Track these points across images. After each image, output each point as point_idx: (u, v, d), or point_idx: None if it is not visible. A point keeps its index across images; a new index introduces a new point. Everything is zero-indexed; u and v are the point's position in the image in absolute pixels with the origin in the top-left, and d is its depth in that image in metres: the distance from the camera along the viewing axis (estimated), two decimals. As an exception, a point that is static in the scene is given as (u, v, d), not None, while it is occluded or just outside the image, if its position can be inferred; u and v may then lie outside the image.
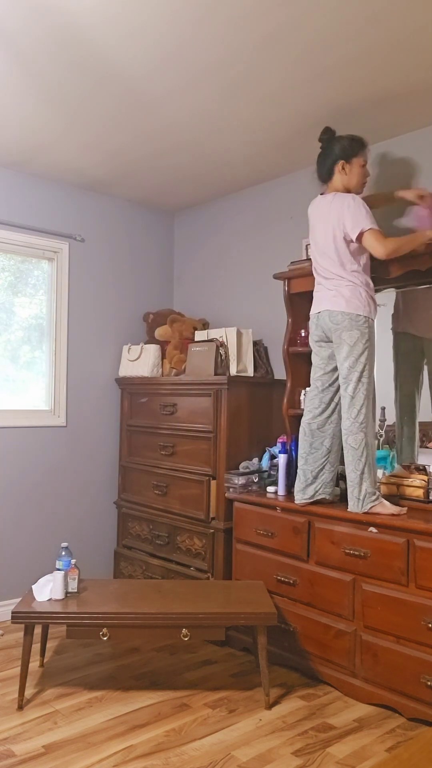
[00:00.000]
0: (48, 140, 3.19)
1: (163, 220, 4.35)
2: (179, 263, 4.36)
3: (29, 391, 3.75)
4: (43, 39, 2.28)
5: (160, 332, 3.85)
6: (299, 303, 3.21)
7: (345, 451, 2.68)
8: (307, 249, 3.43)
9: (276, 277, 3.26)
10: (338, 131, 2.97)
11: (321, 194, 2.85)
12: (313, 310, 2.84)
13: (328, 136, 2.79)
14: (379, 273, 2.83)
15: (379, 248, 2.58)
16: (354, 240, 2.66)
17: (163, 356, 3.81)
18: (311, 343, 2.90)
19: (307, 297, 3.06)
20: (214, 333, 3.54)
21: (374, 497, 2.61)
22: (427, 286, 2.91)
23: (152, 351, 3.79)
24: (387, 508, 2.58)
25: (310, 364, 2.94)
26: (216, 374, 3.31)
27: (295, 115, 2.86)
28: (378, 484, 2.80)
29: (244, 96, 2.69)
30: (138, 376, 3.81)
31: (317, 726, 2.41)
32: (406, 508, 2.61)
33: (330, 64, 2.43)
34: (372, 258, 2.76)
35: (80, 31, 2.23)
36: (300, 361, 3.22)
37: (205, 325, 3.92)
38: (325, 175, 2.80)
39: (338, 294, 2.70)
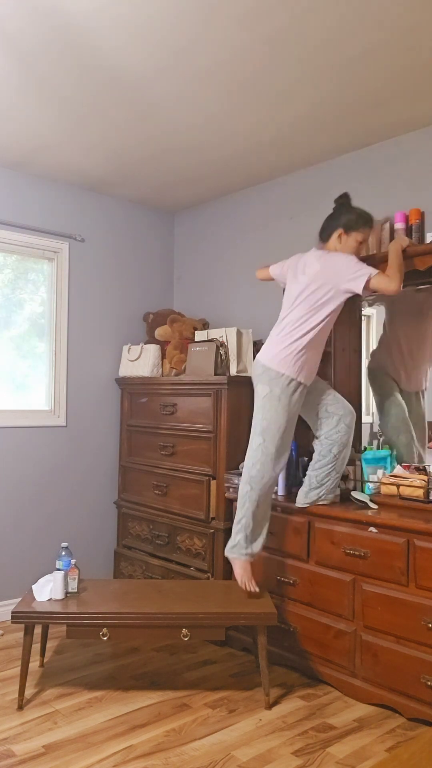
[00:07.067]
0: (49, 141, 3.19)
1: (163, 220, 4.35)
2: (179, 263, 4.36)
3: (29, 391, 3.75)
4: (45, 40, 2.28)
5: (160, 332, 3.85)
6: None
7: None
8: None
9: (276, 277, 3.26)
10: (338, 131, 2.96)
11: (315, 248, 2.85)
12: None
13: (342, 201, 2.82)
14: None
15: (391, 285, 2.57)
16: (361, 291, 2.62)
17: (163, 356, 3.81)
18: None
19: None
20: (214, 333, 3.54)
21: (242, 553, 2.72)
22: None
23: (152, 351, 3.79)
24: (241, 569, 2.72)
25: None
26: (216, 374, 3.31)
27: (296, 116, 2.86)
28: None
29: (245, 97, 2.69)
30: (138, 376, 3.81)
31: (317, 726, 2.41)
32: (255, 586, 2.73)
33: (332, 64, 2.43)
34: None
35: (83, 32, 2.23)
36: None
37: (205, 325, 3.92)
38: (324, 236, 2.82)
39: (271, 344, 2.74)
